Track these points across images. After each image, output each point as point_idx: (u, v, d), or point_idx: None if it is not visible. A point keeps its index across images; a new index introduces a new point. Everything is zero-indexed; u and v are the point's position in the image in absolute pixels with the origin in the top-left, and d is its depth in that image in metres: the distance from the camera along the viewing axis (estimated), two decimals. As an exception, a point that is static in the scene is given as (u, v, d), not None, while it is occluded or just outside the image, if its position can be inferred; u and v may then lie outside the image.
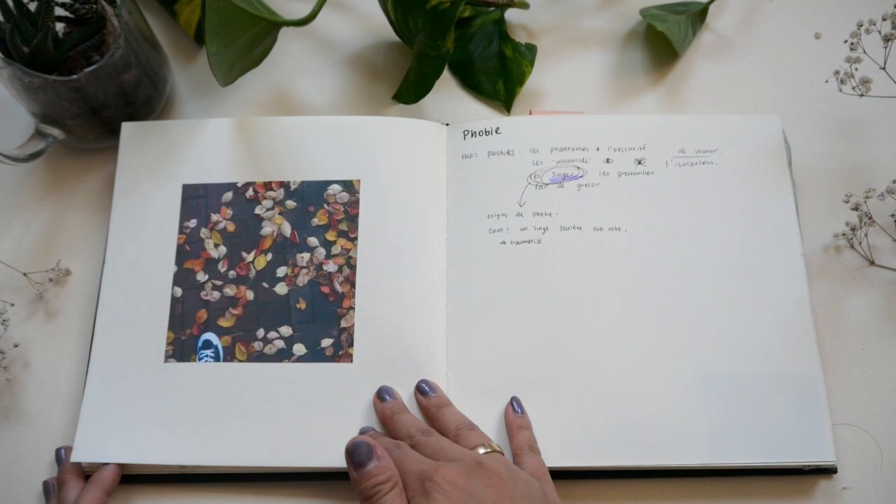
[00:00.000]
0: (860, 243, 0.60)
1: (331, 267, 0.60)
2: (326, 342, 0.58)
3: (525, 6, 0.69)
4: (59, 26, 0.64)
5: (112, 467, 0.55)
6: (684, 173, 0.61)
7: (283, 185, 0.62)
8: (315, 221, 0.61)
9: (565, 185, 0.61)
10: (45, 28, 0.59)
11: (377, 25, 0.71)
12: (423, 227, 0.60)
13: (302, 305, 0.59)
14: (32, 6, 0.61)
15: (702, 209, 0.59)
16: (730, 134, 0.62)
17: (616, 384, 0.55)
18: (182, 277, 0.60)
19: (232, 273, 0.60)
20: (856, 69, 0.60)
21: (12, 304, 0.62)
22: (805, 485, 0.54)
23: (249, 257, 0.61)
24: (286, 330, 0.58)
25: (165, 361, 0.58)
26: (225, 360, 0.58)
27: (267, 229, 0.61)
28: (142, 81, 0.64)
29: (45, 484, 0.56)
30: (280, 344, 0.58)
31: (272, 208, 0.61)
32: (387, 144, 0.62)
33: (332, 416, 0.56)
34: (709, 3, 0.69)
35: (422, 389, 0.55)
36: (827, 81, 0.63)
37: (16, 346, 0.61)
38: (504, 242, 0.59)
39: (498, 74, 0.67)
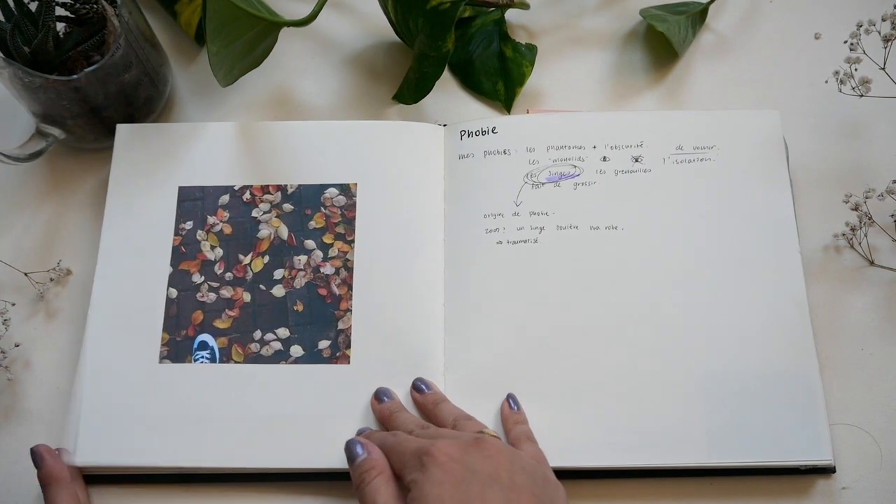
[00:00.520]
0: (860, 243, 0.60)
1: (328, 269, 0.60)
2: (324, 344, 0.58)
3: (525, 6, 0.69)
4: (60, 26, 0.64)
5: (50, 457, 0.54)
6: (682, 171, 0.61)
7: (281, 188, 0.62)
8: (312, 224, 0.61)
9: (562, 183, 0.61)
10: (46, 28, 0.60)
11: (377, 25, 0.71)
12: (419, 229, 0.60)
13: (299, 307, 0.59)
14: (33, 6, 0.61)
15: (700, 207, 0.59)
16: (728, 130, 0.61)
17: (613, 384, 0.55)
18: (177, 278, 0.60)
19: (228, 275, 0.60)
20: (855, 69, 0.60)
21: (13, 304, 0.62)
22: (804, 485, 0.54)
23: (246, 260, 0.61)
24: (283, 332, 0.58)
25: (160, 362, 0.58)
26: (221, 361, 0.58)
27: (264, 232, 0.61)
28: (142, 81, 0.64)
29: (46, 484, 0.56)
30: (277, 346, 0.58)
31: (269, 211, 0.62)
32: (383, 147, 0.62)
33: (329, 417, 0.56)
34: (709, 4, 0.69)
35: (417, 387, 0.55)
36: (826, 82, 0.63)
37: (17, 345, 0.61)
38: (500, 242, 0.59)
39: (498, 75, 0.67)
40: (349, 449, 0.49)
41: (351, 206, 0.61)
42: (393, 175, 0.62)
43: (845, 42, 0.60)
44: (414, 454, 0.46)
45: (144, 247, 0.61)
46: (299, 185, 0.62)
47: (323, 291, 0.59)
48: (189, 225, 0.62)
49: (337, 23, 0.72)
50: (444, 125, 0.64)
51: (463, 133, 0.63)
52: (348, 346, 0.58)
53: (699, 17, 0.69)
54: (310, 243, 0.61)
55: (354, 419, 0.55)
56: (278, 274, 0.60)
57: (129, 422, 0.56)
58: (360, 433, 0.54)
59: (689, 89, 0.67)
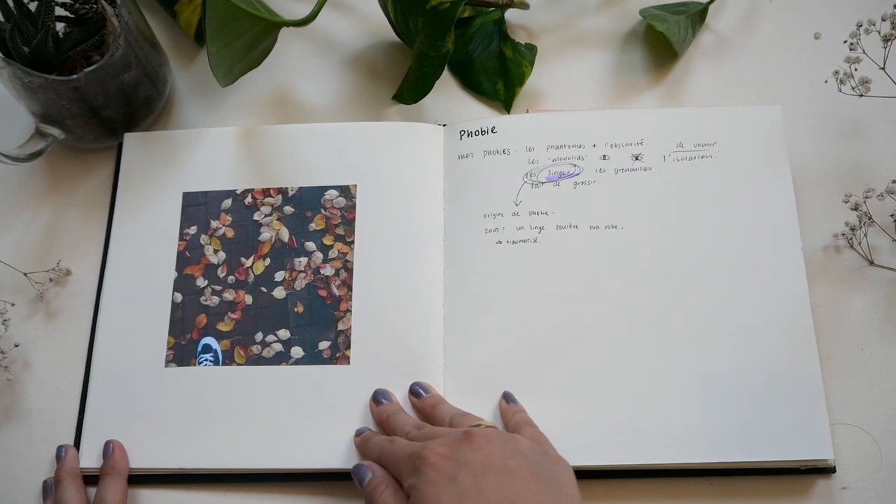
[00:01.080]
0: (860, 243, 0.60)
1: (328, 271, 0.60)
2: (324, 345, 0.58)
3: (525, 6, 0.69)
4: (60, 26, 0.64)
5: (119, 451, 0.56)
6: (683, 168, 0.60)
7: (282, 191, 0.62)
8: (312, 226, 0.61)
9: (561, 183, 0.61)
10: (46, 28, 0.60)
11: (377, 25, 0.71)
12: (419, 229, 0.60)
13: (300, 309, 0.59)
14: (33, 6, 0.61)
15: (701, 204, 0.59)
16: (729, 126, 0.61)
17: (613, 383, 0.55)
18: (182, 283, 0.61)
19: (231, 278, 0.61)
20: (855, 69, 0.60)
21: (13, 304, 0.62)
22: (804, 485, 0.54)
23: (248, 262, 0.61)
24: (284, 333, 0.59)
25: (166, 366, 0.58)
26: (224, 363, 0.58)
27: (265, 235, 0.61)
28: (142, 81, 0.64)
29: (45, 484, 0.56)
30: (278, 347, 0.58)
31: (270, 214, 0.62)
32: (383, 149, 0.63)
33: (330, 417, 0.56)
34: (709, 3, 0.69)
35: (415, 392, 0.56)
36: (826, 82, 0.63)
37: (16, 345, 0.61)
38: (500, 242, 0.59)
39: (498, 75, 0.67)
40: (356, 474, 0.50)
41: (351, 208, 0.61)
42: (392, 176, 0.62)
43: (845, 42, 0.60)
44: (408, 460, 0.47)
45: (151, 253, 0.62)
46: (300, 188, 0.62)
47: (323, 293, 0.59)
48: (193, 230, 0.62)
49: (337, 23, 0.72)
50: (444, 125, 0.64)
51: (462, 133, 0.63)
52: (348, 347, 0.58)
53: (699, 16, 0.69)
54: (310, 245, 0.61)
55: (354, 419, 0.55)
56: (279, 276, 0.60)
57: (135, 424, 0.57)
58: (358, 434, 0.54)
59: (688, 89, 0.67)
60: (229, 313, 0.60)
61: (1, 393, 0.60)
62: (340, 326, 0.58)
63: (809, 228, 0.61)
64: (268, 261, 0.61)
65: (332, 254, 0.60)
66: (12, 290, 0.63)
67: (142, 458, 0.56)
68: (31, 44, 0.59)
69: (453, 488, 0.44)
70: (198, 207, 0.63)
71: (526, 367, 0.56)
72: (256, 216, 0.62)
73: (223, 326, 0.59)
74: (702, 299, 0.57)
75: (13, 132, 0.67)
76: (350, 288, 0.59)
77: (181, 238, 0.62)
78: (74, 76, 0.59)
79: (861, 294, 0.59)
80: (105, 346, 0.60)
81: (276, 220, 0.62)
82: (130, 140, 0.65)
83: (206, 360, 0.59)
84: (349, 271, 0.60)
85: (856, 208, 0.59)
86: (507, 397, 0.55)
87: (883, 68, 0.60)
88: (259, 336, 0.59)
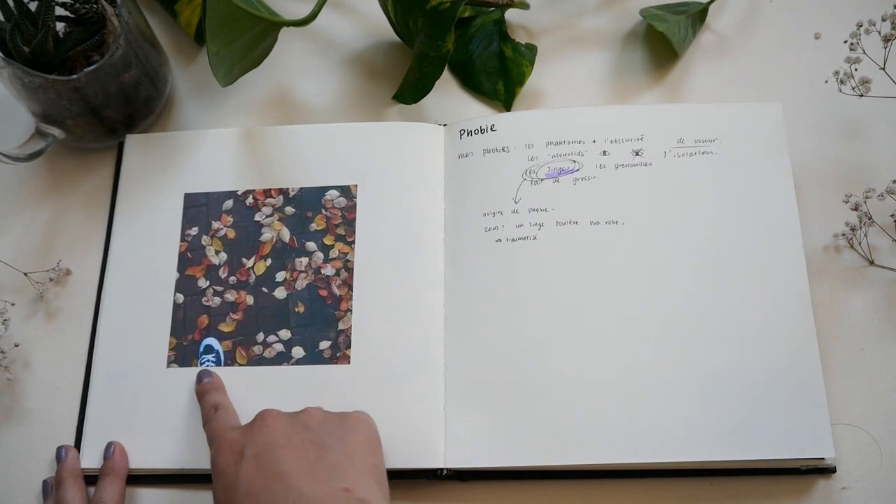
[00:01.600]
0: (860, 243, 0.60)
1: (328, 270, 0.60)
2: (324, 344, 0.58)
3: (525, 6, 0.69)
4: (60, 26, 0.64)
5: (119, 453, 0.56)
6: (683, 164, 0.60)
7: (283, 191, 0.62)
8: (313, 226, 0.61)
9: (561, 179, 0.60)
10: (46, 28, 0.59)
11: (377, 25, 0.71)
12: (419, 229, 0.60)
13: (300, 309, 0.59)
14: (33, 6, 0.61)
15: (701, 201, 0.59)
16: (729, 122, 0.61)
17: (614, 381, 0.55)
18: (184, 284, 0.61)
19: (232, 279, 0.61)
20: (855, 69, 0.60)
21: (13, 304, 0.62)
22: (804, 485, 0.54)
23: (249, 263, 0.61)
24: (285, 333, 0.59)
25: (168, 367, 0.58)
26: (226, 364, 0.58)
27: (266, 235, 0.61)
28: (142, 81, 0.64)
29: (45, 483, 0.56)
30: (279, 347, 0.58)
31: (271, 215, 0.62)
32: (383, 149, 0.63)
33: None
34: (709, 3, 0.69)
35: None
36: (827, 82, 0.63)
37: (16, 345, 0.61)
38: (500, 240, 0.59)
39: (498, 74, 0.67)
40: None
41: (351, 208, 0.61)
42: (393, 176, 0.62)
43: (845, 42, 0.60)
44: (211, 435, 0.52)
45: (152, 254, 0.62)
46: (301, 188, 0.62)
47: (324, 292, 0.59)
48: (195, 231, 0.62)
49: (337, 23, 0.72)
50: (444, 125, 0.64)
51: (462, 132, 0.63)
52: (349, 346, 0.58)
53: (699, 16, 0.69)
54: (311, 245, 0.61)
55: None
56: (280, 276, 0.60)
57: (137, 425, 0.57)
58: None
59: (689, 89, 0.67)
60: (231, 314, 0.60)
61: (1, 393, 0.60)
62: (341, 326, 0.58)
63: (809, 228, 0.60)
64: (269, 261, 0.61)
65: (333, 254, 0.60)
66: (12, 290, 0.63)
67: (143, 459, 0.56)
68: (31, 44, 0.59)
69: (237, 469, 0.47)
70: (199, 208, 0.63)
71: (526, 365, 0.56)
72: (258, 217, 0.62)
73: (225, 327, 0.59)
74: (702, 296, 0.57)
75: (13, 132, 0.67)
76: (351, 288, 0.59)
77: (182, 239, 0.62)
78: (74, 76, 0.59)
79: (861, 294, 0.59)
80: (106, 346, 0.60)
81: (277, 220, 0.62)
82: (131, 141, 0.66)
83: (207, 360, 0.59)
84: (350, 271, 0.60)
85: (856, 208, 0.59)
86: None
87: (883, 68, 0.60)
88: (260, 336, 0.59)
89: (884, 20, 0.59)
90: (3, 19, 0.61)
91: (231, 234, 0.62)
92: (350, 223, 0.61)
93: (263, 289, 0.60)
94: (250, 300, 0.60)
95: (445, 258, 0.60)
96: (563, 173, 0.61)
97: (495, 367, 0.56)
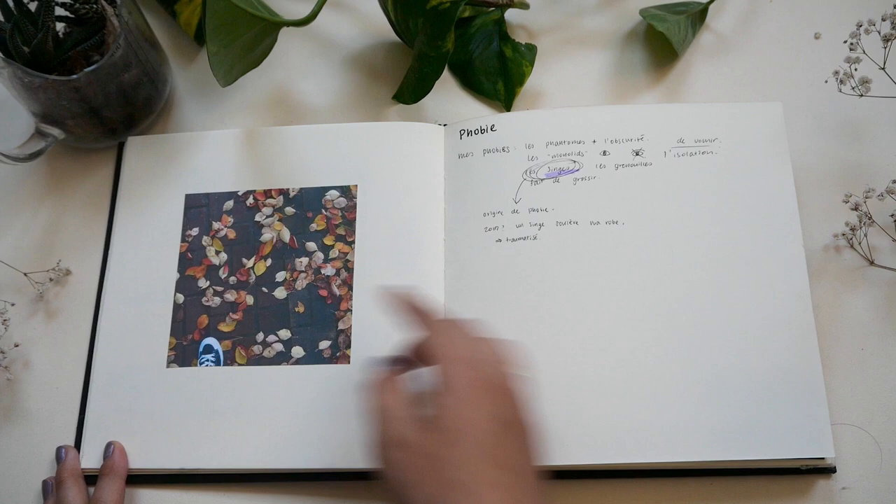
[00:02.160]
0: (860, 243, 0.60)
1: (328, 270, 0.60)
2: (324, 344, 0.58)
3: (525, 6, 0.69)
4: (60, 26, 0.64)
5: (119, 453, 0.56)
6: (683, 164, 0.60)
7: (283, 192, 0.63)
8: (313, 227, 0.61)
9: (561, 179, 0.60)
10: (46, 28, 0.60)
11: (377, 25, 0.71)
12: (419, 229, 0.60)
13: (300, 309, 0.59)
14: (32, 6, 0.61)
15: (702, 200, 0.59)
16: (730, 122, 0.61)
17: (614, 380, 0.55)
18: (184, 284, 0.61)
19: (232, 279, 0.61)
20: (855, 69, 0.60)
21: (13, 304, 0.62)
22: (804, 485, 0.54)
23: (250, 263, 0.61)
24: (285, 333, 0.59)
25: (168, 367, 0.58)
26: (225, 364, 0.58)
27: (267, 236, 0.62)
28: (142, 81, 0.64)
29: (45, 483, 0.56)
30: (279, 347, 0.58)
31: (272, 215, 0.62)
32: (384, 149, 0.63)
33: (330, 417, 0.56)
34: (709, 3, 0.69)
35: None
36: (827, 82, 0.63)
37: (16, 345, 0.61)
38: (500, 240, 0.59)
39: (498, 75, 0.67)
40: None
41: (351, 208, 0.61)
42: (393, 176, 0.62)
43: (845, 42, 0.60)
44: None
45: (153, 254, 0.62)
46: (301, 189, 0.63)
47: (324, 292, 0.59)
48: (195, 231, 0.62)
49: (337, 23, 0.72)
50: (444, 125, 0.64)
51: (462, 132, 0.63)
52: (349, 346, 0.58)
53: (699, 16, 0.69)
54: (311, 245, 0.61)
55: (354, 418, 0.55)
56: (280, 276, 0.60)
57: (137, 424, 0.57)
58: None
59: (688, 89, 0.67)
60: (231, 314, 0.60)
61: (1, 393, 0.60)
62: (341, 326, 0.58)
63: (810, 228, 0.60)
64: (269, 261, 0.61)
65: (333, 254, 0.60)
66: (12, 290, 0.63)
67: (143, 459, 0.56)
68: (31, 44, 0.59)
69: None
70: (200, 209, 0.63)
71: (526, 365, 0.56)
72: (258, 217, 0.62)
73: (225, 327, 0.59)
74: (702, 296, 0.56)
75: (13, 132, 0.67)
76: (351, 287, 0.59)
77: (183, 239, 0.62)
78: (74, 76, 0.59)
79: (861, 294, 0.59)
80: (107, 346, 0.60)
81: (278, 220, 0.62)
82: (132, 143, 0.66)
83: (207, 360, 0.59)
84: (350, 271, 0.60)
85: (856, 208, 0.59)
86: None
87: (883, 68, 0.60)
88: (260, 336, 0.59)
89: (884, 20, 0.59)
90: (3, 19, 0.61)
91: (231, 234, 0.62)
92: (350, 223, 0.61)
93: (263, 289, 0.60)
94: (250, 300, 0.60)
95: (445, 258, 0.60)
96: (563, 173, 0.61)
97: (495, 367, 0.56)
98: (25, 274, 0.63)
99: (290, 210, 0.62)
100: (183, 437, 0.57)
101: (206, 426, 0.57)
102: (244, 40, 0.60)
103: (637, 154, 0.61)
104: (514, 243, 0.59)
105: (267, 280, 0.60)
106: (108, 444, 0.56)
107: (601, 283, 0.57)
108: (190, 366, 0.59)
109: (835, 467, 0.54)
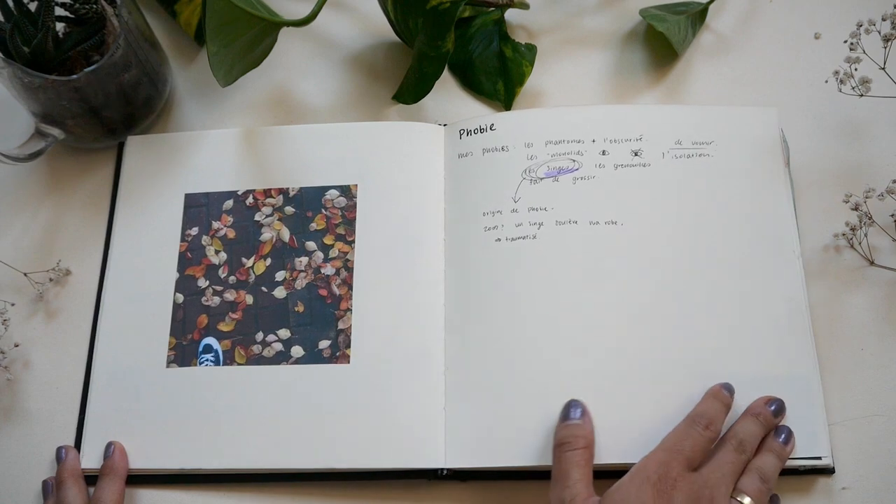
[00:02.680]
0: (860, 243, 0.60)
1: (328, 270, 0.60)
2: (324, 344, 0.58)
3: (525, 6, 0.69)
4: (59, 26, 0.64)
5: (119, 453, 0.56)
6: (681, 165, 0.60)
7: (283, 191, 0.63)
8: (313, 226, 0.61)
9: (560, 178, 0.60)
10: (46, 28, 0.60)
11: (377, 25, 0.71)
12: (419, 229, 0.60)
13: (300, 308, 0.59)
14: (32, 6, 0.61)
15: (699, 203, 0.59)
16: (725, 125, 0.61)
17: (612, 382, 0.55)
18: (183, 284, 0.61)
19: (232, 278, 0.61)
20: (855, 69, 0.59)
21: (13, 304, 0.62)
22: (804, 485, 0.54)
23: (249, 263, 0.61)
24: (284, 333, 0.59)
25: (167, 366, 0.58)
26: (225, 363, 0.58)
27: (266, 235, 0.62)
28: (142, 81, 0.64)
29: (45, 483, 0.56)
30: (279, 346, 0.58)
31: (271, 215, 0.62)
32: (383, 149, 0.63)
33: (330, 417, 0.56)
34: (709, 4, 0.69)
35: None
36: (827, 82, 0.63)
37: (16, 345, 0.61)
38: (499, 240, 0.59)
39: (498, 74, 0.67)
40: (567, 407, 0.53)
41: (351, 208, 0.61)
42: (393, 176, 0.62)
43: (845, 42, 0.60)
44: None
45: (153, 254, 0.62)
46: (301, 188, 0.63)
47: (323, 292, 0.59)
48: (195, 231, 0.62)
49: (337, 23, 0.72)
50: (444, 125, 0.64)
51: (462, 132, 0.63)
52: (348, 346, 0.58)
53: (699, 17, 0.69)
54: (311, 245, 0.61)
55: (354, 418, 0.55)
56: (280, 276, 0.60)
57: (136, 424, 0.57)
58: (573, 406, 0.54)
59: (688, 89, 0.67)
60: (230, 313, 0.60)
61: (1, 393, 0.60)
62: (341, 325, 0.58)
63: (810, 228, 0.61)
64: (269, 261, 0.61)
65: (333, 253, 0.60)
66: (12, 290, 0.63)
67: (143, 459, 0.56)
68: (31, 44, 0.59)
69: None
70: (199, 208, 0.63)
71: (526, 365, 0.56)
72: (257, 217, 0.62)
73: (224, 326, 0.59)
74: (699, 296, 0.57)
75: (13, 132, 0.67)
76: (350, 287, 0.59)
77: (183, 239, 0.62)
78: (74, 76, 0.59)
79: (861, 294, 0.59)
80: (106, 346, 0.60)
81: (277, 220, 0.62)
82: (132, 143, 0.66)
83: (207, 360, 0.59)
84: (350, 270, 0.60)
85: (856, 208, 0.59)
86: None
87: (883, 68, 0.60)
88: (259, 336, 0.59)
89: (884, 20, 0.59)
90: (3, 19, 0.61)
91: (231, 233, 0.62)
92: (350, 223, 0.61)
93: (263, 288, 0.60)
94: (250, 300, 0.60)
95: (445, 258, 0.60)
96: (563, 172, 0.61)
97: (495, 366, 0.56)
98: (25, 274, 0.63)
99: (289, 209, 0.62)
100: (183, 437, 0.57)
101: (206, 426, 0.57)
102: (244, 40, 0.60)
103: (636, 154, 0.61)
104: (514, 243, 0.59)
105: (266, 280, 0.60)
106: (108, 445, 0.56)
107: (600, 283, 0.57)
108: (189, 366, 0.59)
109: (833, 468, 0.54)
